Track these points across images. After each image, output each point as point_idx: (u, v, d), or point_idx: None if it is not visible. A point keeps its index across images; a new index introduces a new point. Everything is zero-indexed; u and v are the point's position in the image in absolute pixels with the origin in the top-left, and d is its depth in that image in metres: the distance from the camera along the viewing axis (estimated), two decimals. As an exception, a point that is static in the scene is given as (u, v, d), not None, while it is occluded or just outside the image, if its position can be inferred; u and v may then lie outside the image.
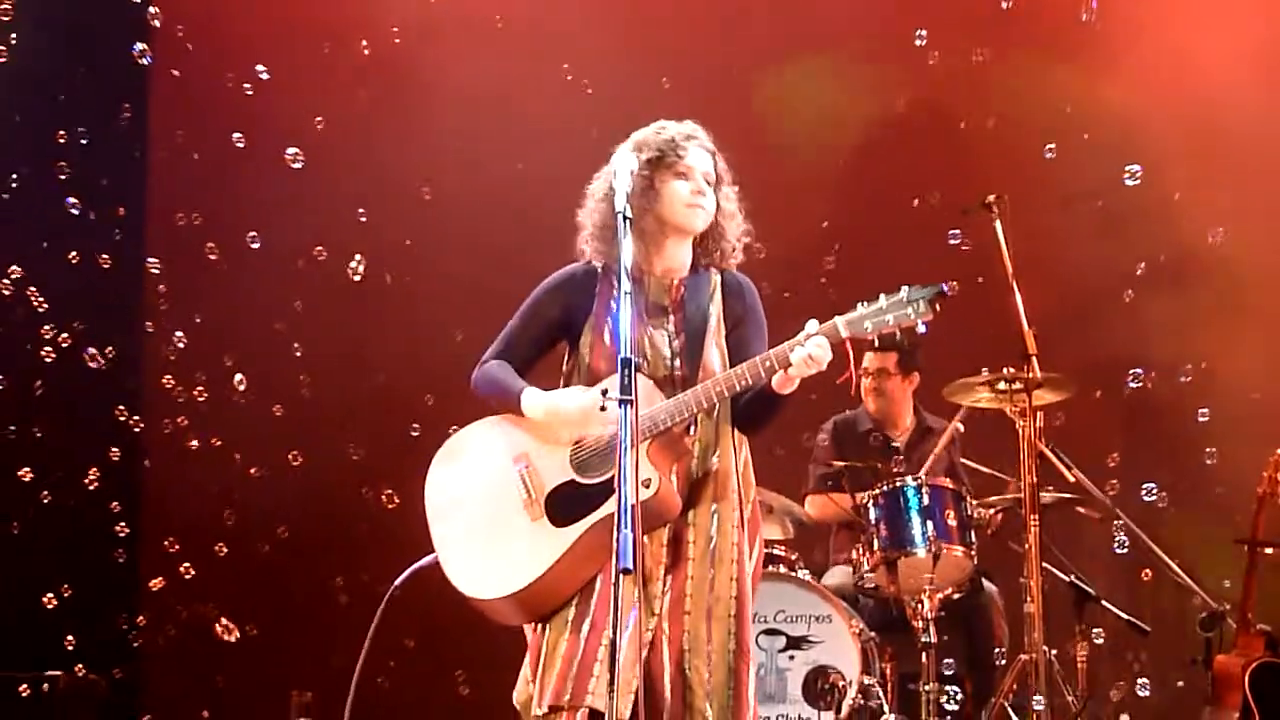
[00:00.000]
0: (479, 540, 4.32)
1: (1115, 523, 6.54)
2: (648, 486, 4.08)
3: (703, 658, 4.15)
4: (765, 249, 4.61)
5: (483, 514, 4.33)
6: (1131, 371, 7.03)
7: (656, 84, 7.70)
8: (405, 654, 7.56)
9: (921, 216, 7.53)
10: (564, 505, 4.23)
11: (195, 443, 7.55)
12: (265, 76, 7.39)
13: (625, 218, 3.99)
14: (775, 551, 6.39)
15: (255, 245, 7.35)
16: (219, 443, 7.60)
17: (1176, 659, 7.09)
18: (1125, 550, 6.60)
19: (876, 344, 6.98)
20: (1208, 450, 7.14)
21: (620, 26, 8.02)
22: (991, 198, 6.45)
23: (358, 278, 7.14)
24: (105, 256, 7.38)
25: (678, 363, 4.30)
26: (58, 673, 6.73)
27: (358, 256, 7.14)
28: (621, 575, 3.61)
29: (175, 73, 7.83)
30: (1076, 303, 7.66)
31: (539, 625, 4.26)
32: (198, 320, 7.69)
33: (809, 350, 4.05)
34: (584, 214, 4.44)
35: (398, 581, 4.72)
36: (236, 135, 7.38)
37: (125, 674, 7.37)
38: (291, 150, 7.06)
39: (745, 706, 4.19)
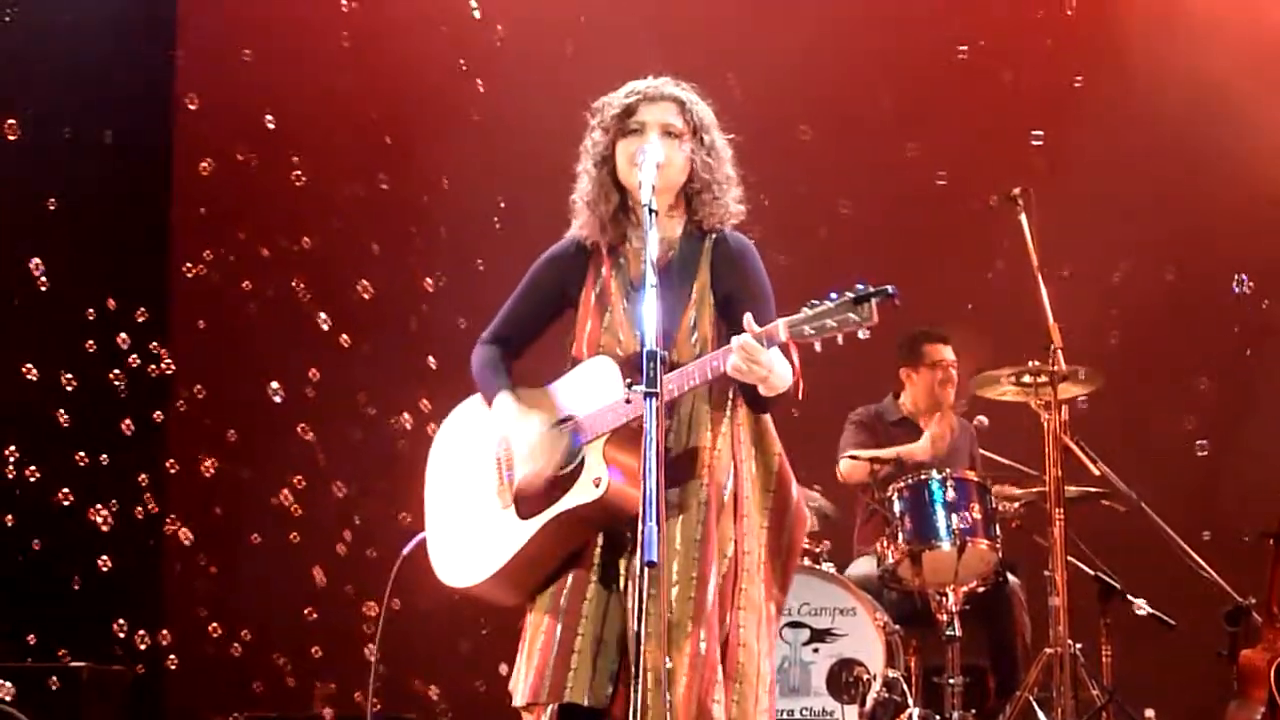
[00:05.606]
0: (454, 525, 4.22)
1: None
2: (597, 486, 3.90)
3: (657, 643, 3.76)
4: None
5: (460, 497, 4.22)
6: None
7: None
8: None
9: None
10: (532, 494, 4.06)
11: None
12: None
13: (651, 210, 3.83)
14: (799, 544, 6.34)
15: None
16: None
17: (1202, 653, 7.06)
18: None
19: (945, 338, 7.05)
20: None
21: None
22: (1017, 190, 6.44)
23: None
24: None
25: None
26: (83, 664, 6.75)
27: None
28: (646, 568, 3.44)
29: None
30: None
31: (529, 607, 4.09)
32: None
33: (734, 360, 3.80)
34: (578, 189, 4.21)
35: (405, 550, 4.63)
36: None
37: (150, 665, 7.37)
38: None
39: (689, 696, 3.85)
